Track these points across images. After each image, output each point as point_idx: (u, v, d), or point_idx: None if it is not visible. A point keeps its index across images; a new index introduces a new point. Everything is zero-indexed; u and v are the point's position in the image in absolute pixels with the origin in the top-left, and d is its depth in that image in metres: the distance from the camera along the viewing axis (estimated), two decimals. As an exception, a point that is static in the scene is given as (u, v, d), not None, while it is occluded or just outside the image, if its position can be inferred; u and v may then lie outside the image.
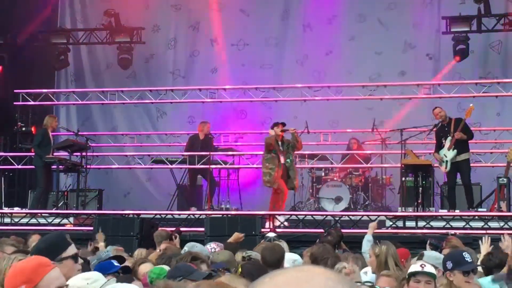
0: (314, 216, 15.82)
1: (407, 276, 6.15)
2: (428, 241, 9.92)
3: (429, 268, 6.13)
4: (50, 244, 5.03)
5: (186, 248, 8.31)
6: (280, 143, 15.33)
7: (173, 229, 12.43)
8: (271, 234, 11.06)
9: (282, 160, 15.24)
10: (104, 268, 5.83)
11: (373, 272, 7.10)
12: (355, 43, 20.35)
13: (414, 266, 6.19)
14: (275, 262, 7.34)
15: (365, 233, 13.15)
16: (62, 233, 5.91)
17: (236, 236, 10.03)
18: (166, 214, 16.35)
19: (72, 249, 5.02)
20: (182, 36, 21.63)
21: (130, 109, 20.68)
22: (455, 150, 15.30)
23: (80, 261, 5.17)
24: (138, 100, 19.51)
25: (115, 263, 5.94)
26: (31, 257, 4.53)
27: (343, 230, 12.56)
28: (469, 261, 6.29)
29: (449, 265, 6.55)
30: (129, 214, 15.63)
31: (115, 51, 20.75)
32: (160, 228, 12.27)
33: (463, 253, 6.56)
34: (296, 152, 16.01)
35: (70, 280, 4.70)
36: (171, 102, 19.31)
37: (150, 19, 21.27)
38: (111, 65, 21.21)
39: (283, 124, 15.39)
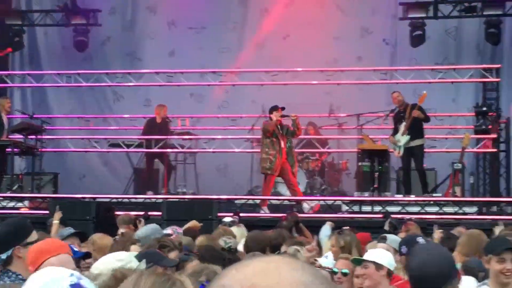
0: (271, 201, 15.88)
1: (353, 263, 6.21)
2: (389, 220, 9.98)
3: (370, 256, 6.14)
4: (14, 228, 4.99)
5: (139, 233, 8.25)
6: (279, 127, 15.21)
7: (142, 213, 12.41)
8: (228, 219, 11.06)
9: (282, 145, 15.12)
10: None
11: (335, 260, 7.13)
12: (313, 28, 20.36)
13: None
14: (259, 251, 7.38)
15: (321, 217, 13.29)
16: (25, 218, 5.87)
17: (193, 224, 10.00)
18: (123, 198, 16.29)
19: (35, 235, 5.00)
20: (139, 19, 21.49)
21: (86, 92, 20.49)
22: (409, 136, 15.42)
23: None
24: (94, 83, 19.33)
25: (75, 248, 5.85)
26: (31, 247, 4.54)
27: (300, 215, 12.63)
28: None
29: (404, 249, 6.62)
30: (85, 197, 15.54)
31: (71, 33, 20.54)
32: (125, 213, 12.22)
33: (417, 238, 6.63)
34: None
35: (101, 260, 4.68)
36: (128, 86, 19.16)
37: (106, 1, 21.09)
38: (67, 48, 20.98)
39: (282, 108, 15.24)
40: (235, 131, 18.55)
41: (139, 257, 5.11)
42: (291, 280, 1.48)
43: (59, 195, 16.65)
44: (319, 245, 8.87)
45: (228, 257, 6.70)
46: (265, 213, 15.01)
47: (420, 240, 6.50)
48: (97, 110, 20.56)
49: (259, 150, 17.94)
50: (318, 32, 20.19)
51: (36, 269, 3.94)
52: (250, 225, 12.63)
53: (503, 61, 19.11)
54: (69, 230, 8.21)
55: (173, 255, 6.30)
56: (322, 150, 18.01)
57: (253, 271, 1.51)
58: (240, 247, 8.40)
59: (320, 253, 8.15)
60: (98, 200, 15.23)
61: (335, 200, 15.78)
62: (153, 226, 8.94)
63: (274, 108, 15.24)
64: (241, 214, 13.37)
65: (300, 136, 18.08)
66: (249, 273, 1.51)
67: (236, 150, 17.92)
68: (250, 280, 1.49)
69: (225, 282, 1.53)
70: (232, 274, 1.53)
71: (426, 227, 11.37)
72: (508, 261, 5.69)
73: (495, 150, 16.76)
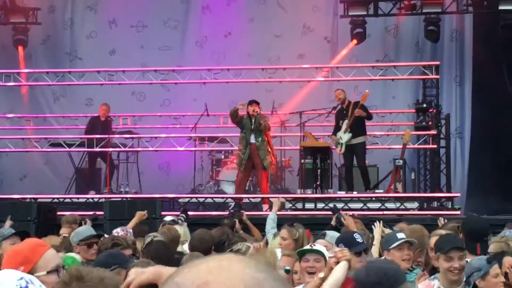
0: (214, 199, 15.88)
1: (297, 255, 6.27)
2: (337, 215, 10.02)
3: (318, 247, 6.24)
4: None
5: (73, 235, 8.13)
6: (252, 120, 15.14)
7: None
8: (168, 218, 11.02)
9: (252, 139, 15.08)
10: None
11: None
12: (255, 25, 20.41)
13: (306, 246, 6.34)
14: (204, 252, 7.35)
15: (265, 214, 13.29)
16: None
17: (139, 215, 9.96)
18: (64, 198, 16.14)
19: None
20: (79, 17, 21.28)
21: (26, 91, 20.23)
22: (351, 133, 15.54)
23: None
24: (35, 82, 19.10)
25: None
26: (26, 240, 4.47)
27: (248, 213, 12.64)
28: (359, 241, 6.41)
29: (341, 246, 6.67)
30: (26, 198, 15.36)
31: (10, 31, 20.26)
32: (70, 213, 12.11)
33: (354, 234, 6.70)
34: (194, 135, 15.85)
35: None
36: (69, 85, 18.96)
37: (46, 0, 20.83)
38: (6, 46, 20.69)
39: (257, 103, 15.23)
40: (178, 130, 18.51)
41: (101, 260, 5.05)
42: (243, 277, 1.49)
43: (-1, 195, 16.40)
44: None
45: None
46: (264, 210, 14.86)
47: (356, 236, 6.56)
48: (37, 110, 20.29)
49: (202, 149, 17.97)
50: (260, 29, 20.23)
51: (33, 266, 3.88)
52: (194, 224, 12.64)
53: (443, 58, 19.36)
54: (10, 229, 8.12)
55: (127, 253, 6.30)
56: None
57: (206, 269, 1.52)
58: (185, 247, 8.38)
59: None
60: (39, 200, 15.06)
61: (278, 198, 15.78)
62: (86, 228, 8.79)
63: (249, 103, 15.21)
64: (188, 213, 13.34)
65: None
66: (203, 270, 1.52)
67: (179, 148, 17.87)
68: (203, 277, 1.50)
69: (179, 280, 1.54)
70: (185, 272, 1.54)
71: (368, 223, 11.47)
72: (455, 259, 5.84)
73: (435, 146, 16.98)
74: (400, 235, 6.69)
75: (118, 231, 8.58)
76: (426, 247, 6.94)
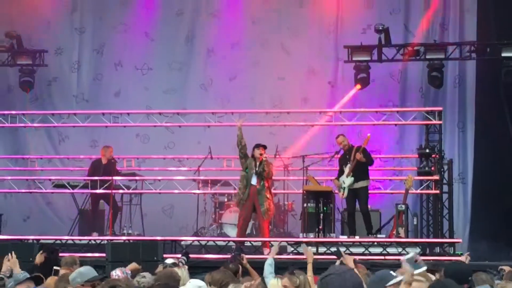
0: (216, 242, 15.88)
1: None
2: (341, 259, 9.95)
3: None
4: None
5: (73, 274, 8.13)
6: (257, 164, 15.28)
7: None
8: (169, 261, 11.02)
9: (254, 181, 15.24)
10: None
11: None
12: (258, 69, 20.55)
13: None
14: None
15: (266, 258, 13.28)
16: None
17: (133, 266, 9.97)
18: (67, 240, 16.15)
19: None
20: (86, 59, 21.46)
21: (31, 132, 20.36)
22: (353, 177, 15.60)
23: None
24: (40, 124, 19.21)
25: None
26: None
27: (246, 256, 12.63)
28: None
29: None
30: (28, 239, 15.38)
31: (17, 73, 20.42)
32: (69, 254, 12.10)
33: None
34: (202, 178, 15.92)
35: None
36: (74, 126, 19.04)
37: (53, 42, 21.03)
38: (13, 88, 20.86)
39: (264, 147, 15.40)
40: (181, 172, 18.56)
41: None
42: None
43: (2, 236, 16.40)
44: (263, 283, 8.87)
45: None
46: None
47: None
48: (43, 151, 20.38)
49: (205, 191, 18.01)
50: (264, 73, 20.37)
51: None
52: (195, 266, 12.64)
53: (446, 104, 19.46)
54: (24, 274, 8.14)
55: None
56: (268, 191, 18.02)
57: None
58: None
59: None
60: (41, 241, 15.06)
61: (280, 241, 15.80)
62: (88, 268, 8.79)
63: (256, 146, 15.44)
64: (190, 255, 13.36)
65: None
66: None
67: (183, 191, 17.91)
68: None
69: None
70: None
71: (370, 268, 11.46)
72: None
73: (437, 191, 16.99)
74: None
75: (117, 273, 8.57)
76: None
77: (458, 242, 16.01)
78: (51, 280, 8.27)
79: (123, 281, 6.96)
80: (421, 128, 19.13)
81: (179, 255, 11.86)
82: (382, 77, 20.06)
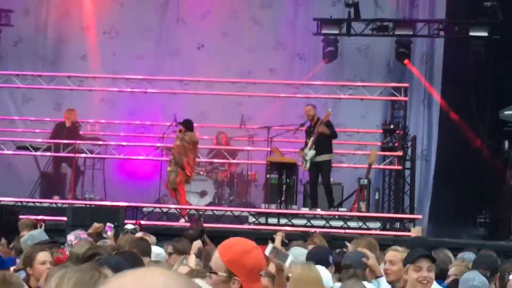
0: (178, 210, 15.89)
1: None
2: None
3: None
4: None
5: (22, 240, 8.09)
6: None
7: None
8: (130, 226, 11.00)
9: None
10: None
11: None
12: (228, 39, 20.46)
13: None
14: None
15: (227, 227, 13.39)
16: None
17: (94, 227, 9.92)
18: (28, 202, 16.06)
19: None
20: (53, 22, 21.22)
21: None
22: (314, 151, 15.60)
23: None
24: (4, 84, 19.02)
25: None
26: None
27: (206, 225, 12.66)
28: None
29: None
30: (-12, 200, 15.28)
31: (-19, 32, 20.18)
32: (26, 216, 12.04)
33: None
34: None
35: None
36: (39, 88, 18.90)
37: (20, 2, 20.75)
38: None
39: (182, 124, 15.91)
40: (145, 139, 18.50)
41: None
42: (160, 285, 1.52)
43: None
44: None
45: None
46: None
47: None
48: (5, 112, 20.17)
49: (168, 158, 17.97)
50: (233, 43, 20.30)
51: None
52: (157, 234, 12.62)
53: (412, 80, 19.52)
54: None
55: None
56: (231, 160, 18.08)
57: (129, 279, 1.56)
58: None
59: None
60: (2, 203, 14.98)
61: (242, 211, 15.87)
62: (39, 232, 8.74)
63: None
64: (143, 222, 13.36)
65: (210, 146, 18.24)
66: (126, 280, 1.56)
67: (146, 157, 17.86)
68: (124, 287, 1.54)
69: None
70: (111, 282, 1.58)
71: (331, 241, 11.53)
72: (424, 268, 5.73)
73: (400, 167, 17.11)
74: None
75: (70, 238, 8.47)
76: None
77: (418, 218, 16.15)
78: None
79: (104, 247, 6.84)
80: (386, 103, 19.23)
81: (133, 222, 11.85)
82: (350, 51, 20.08)
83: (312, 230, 13.52)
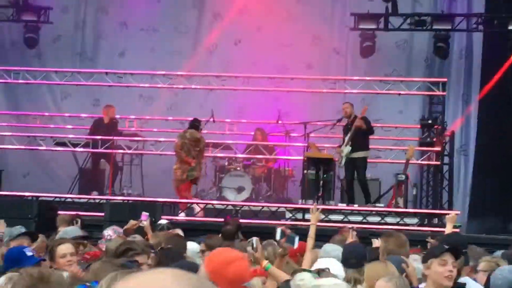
0: (215, 205, 15.92)
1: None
2: None
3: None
4: None
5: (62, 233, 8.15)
6: None
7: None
8: (163, 221, 11.04)
9: None
10: (16, 260, 5.53)
11: None
12: (264, 35, 20.43)
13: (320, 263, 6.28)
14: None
15: (264, 223, 13.38)
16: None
17: (131, 223, 9.98)
18: (66, 198, 16.18)
19: None
20: (91, 19, 21.36)
21: (34, 89, 20.30)
22: (350, 147, 15.53)
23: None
24: (43, 81, 19.19)
25: (28, 252, 5.66)
26: None
27: (243, 220, 12.68)
28: None
29: None
30: (28, 196, 15.41)
31: (21, 29, 20.35)
32: (63, 212, 12.15)
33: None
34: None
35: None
36: (77, 84, 19.03)
37: (59, 0, 20.91)
38: (17, 43, 20.80)
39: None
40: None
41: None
42: (174, 286, 1.49)
43: (1, 192, 16.44)
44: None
45: None
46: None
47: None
48: (44, 108, 20.34)
49: (206, 155, 17.99)
50: (269, 38, 20.27)
51: None
52: (194, 230, 12.68)
53: (450, 75, 19.37)
54: (20, 229, 8.13)
55: (142, 259, 5.96)
56: (269, 156, 18.07)
57: (140, 280, 1.52)
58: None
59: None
60: (41, 199, 15.11)
61: (278, 207, 15.86)
62: (74, 228, 8.84)
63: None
64: (182, 218, 13.40)
65: (247, 142, 18.24)
66: (136, 282, 1.52)
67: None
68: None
69: None
70: (122, 283, 1.54)
71: (367, 237, 11.48)
72: (449, 263, 5.62)
73: (438, 163, 16.98)
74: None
75: (109, 233, 8.55)
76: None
77: (456, 214, 15.98)
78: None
79: (138, 243, 6.85)
80: (424, 98, 19.08)
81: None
82: (387, 46, 19.94)
83: (349, 226, 13.43)
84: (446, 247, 5.76)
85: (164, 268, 1.57)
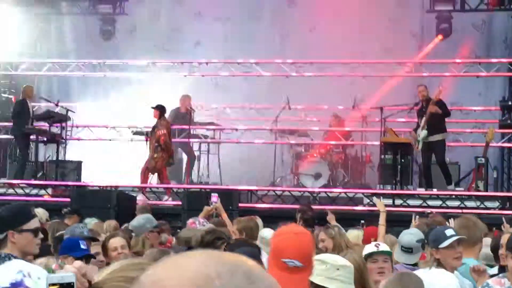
0: (292, 192, 15.87)
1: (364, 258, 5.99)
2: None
3: (384, 247, 6.11)
4: (12, 213, 4.97)
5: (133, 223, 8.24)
6: None
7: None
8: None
9: None
10: (70, 248, 5.74)
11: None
12: (339, 20, 20.25)
13: (369, 247, 6.16)
14: None
15: (341, 209, 13.30)
16: (27, 205, 5.87)
17: (206, 210, 9.99)
18: (144, 187, 16.34)
19: (34, 223, 4.95)
20: (166, 10, 21.50)
21: (110, 81, 20.52)
22: (426, 131, 15.28)
23: (40, 236, 5.06)
24: (120, 72, 19.40)
25: (82, 245, 5.79)
26: None
27: (320, 207, 12.62)
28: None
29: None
30: (106, 186, 15.61)
31: (97, 22, 20.60)
32: (142, 202, 12.30)
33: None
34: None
35: None
36: (153, 75, 19.19)
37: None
38: (93, 36, 21.06)
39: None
40: (259, 122, 18.55)
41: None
42: (193, 274, 1.42)
43: (81, 183, 16.68)
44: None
45: None
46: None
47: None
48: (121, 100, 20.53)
49: (282, 142, 17.97)
50: (344, 24, 20.08)
51: None
52: (270, 216, 12.65)
53: (531, 55, 18.94)
54: (82, 230, 8.03)
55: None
56: (345, 142, 17.95)
57: (169, 264, 1.46)
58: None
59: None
60: (120, 189, 15.29)
61: (356, 193, 15.74)
62: (146, 216, 8.94)
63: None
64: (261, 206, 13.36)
65: (323, 128, 18.15)
66: (165, 266, 1.46)
67: (260, 141, 17.92)
68: (158, 273, 1.45)
69: (145, 275, 1.48)
70: (154, 267, 1.49)
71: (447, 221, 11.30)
72: None
73: (519, 145, 16.65)
74: (449, 232, 6.01)
75: (196, 222, 8.52)
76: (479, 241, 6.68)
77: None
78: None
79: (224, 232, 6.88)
80: (504, 80, 18.70)
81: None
82: (464, 27, 19.58)
83: (428, 210, 13.26)
84: None
85: (199, 251, 1.51)
